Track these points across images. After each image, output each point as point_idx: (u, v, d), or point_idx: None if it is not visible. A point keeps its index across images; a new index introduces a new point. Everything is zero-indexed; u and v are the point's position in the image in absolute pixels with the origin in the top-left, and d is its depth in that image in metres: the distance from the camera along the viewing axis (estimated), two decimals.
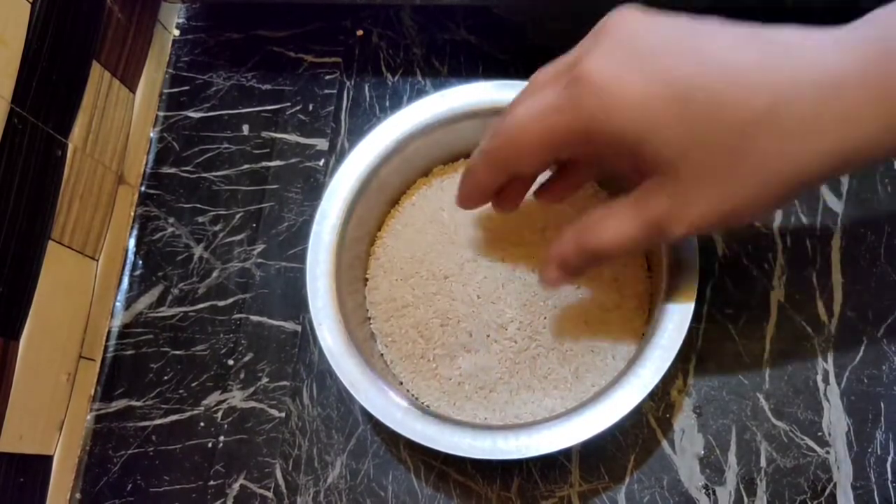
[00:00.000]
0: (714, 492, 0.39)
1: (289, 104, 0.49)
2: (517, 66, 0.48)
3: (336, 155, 0.48)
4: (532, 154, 0.30)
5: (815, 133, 0.25)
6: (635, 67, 0.26)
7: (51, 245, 0.41)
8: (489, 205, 0.36)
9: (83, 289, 0.45)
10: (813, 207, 0.43)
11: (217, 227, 0.48)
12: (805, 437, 0.39)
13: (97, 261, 0.46)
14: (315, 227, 0.39)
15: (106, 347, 0.46)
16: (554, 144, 0.29)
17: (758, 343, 0.41)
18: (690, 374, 0.41)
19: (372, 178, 0.40)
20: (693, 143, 0.26)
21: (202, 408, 0.44)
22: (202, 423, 0.44)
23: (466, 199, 0.35)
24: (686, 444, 0.40)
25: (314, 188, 0.47)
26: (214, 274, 0.47)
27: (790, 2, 0.42)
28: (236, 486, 0.42)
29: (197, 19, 0.52)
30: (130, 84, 0.48)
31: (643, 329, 0.39)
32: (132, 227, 0.48)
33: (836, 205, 0.43)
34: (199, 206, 0.48)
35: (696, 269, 0.35)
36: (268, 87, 0.50)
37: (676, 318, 0.35)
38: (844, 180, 0.43)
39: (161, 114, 0.51)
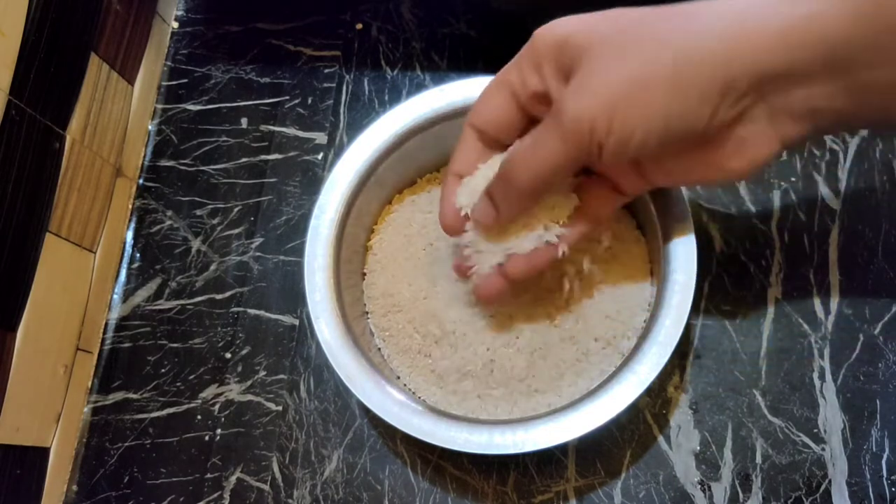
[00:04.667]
0: (709, 487, 0.39)
1: (287, 97, 0.49)
2: None
3: (335, 149, 0.48)
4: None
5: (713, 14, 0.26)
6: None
7: (48, 237, 0.41)
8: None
9: (81, 281, 0.44)
10: (811, 205, 0.43)
11: (215, 221, 0.47)
12: (801, 434, 0.39)
13: (95, 253, 0.46)
14: (313, 221, 0.39)
15: (103, 340, 0.46)
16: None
17: (754, 340, 0.41)
18: (687, 371, 0.41)
19: (371, 173, 0.40)
20: (615, 30, 0.28)
21: (199, 401, 0.44)
22: (199, 416, 0.44)
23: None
24: (682, 440, 0.40)
25: (313, 182, 0.47)
26: (212, 267, 0.47)
27: None
28: (233, 478, 0.42)
29: (196, 12, 0.52)
30: (129, 76, 0.48)
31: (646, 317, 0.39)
32: (130, 220, 0.48)
33: (834, 202, 0.43)
34: (197, 199, 0.48)
35: (695, 265, 0.35)
36: (266, 80, 0.50)
37: (674, 315, 0.35)
38: (843, 178, 0.43)
39: (159, 106, 0.50)
